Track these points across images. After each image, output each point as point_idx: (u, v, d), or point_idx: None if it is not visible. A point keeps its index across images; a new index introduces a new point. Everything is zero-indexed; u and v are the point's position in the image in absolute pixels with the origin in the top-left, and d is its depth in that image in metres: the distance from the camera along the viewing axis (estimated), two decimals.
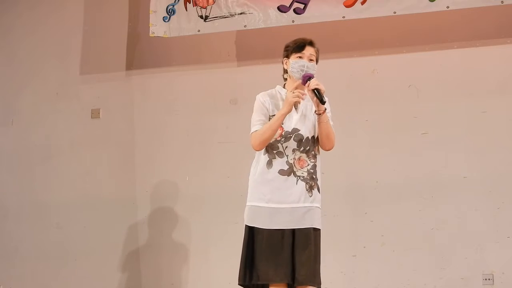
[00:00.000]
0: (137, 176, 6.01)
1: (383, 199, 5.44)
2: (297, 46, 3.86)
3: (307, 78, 3.75)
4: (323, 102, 3.71)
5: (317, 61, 3.90)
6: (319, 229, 3.84)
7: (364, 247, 5.45)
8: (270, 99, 3.88)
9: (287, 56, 3.89)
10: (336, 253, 5.39)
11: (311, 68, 3.81)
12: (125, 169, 6.04)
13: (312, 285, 3.75)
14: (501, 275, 5.21)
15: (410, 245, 5.37)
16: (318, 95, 3.70)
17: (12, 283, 6.19)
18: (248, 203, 3.92)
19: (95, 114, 6.17)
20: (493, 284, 5.22)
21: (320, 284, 3.82)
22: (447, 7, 5.09)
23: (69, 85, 6.24)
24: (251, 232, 3.85)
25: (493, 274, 5.23)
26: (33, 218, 6.19)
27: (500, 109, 5.32)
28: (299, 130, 3.81)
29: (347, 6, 5.26)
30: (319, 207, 3.85)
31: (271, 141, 3.80)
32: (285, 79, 3.93)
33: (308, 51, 3.86)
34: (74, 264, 6.05)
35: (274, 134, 3.78)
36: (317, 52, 3.91)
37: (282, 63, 3.93)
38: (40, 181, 6.20)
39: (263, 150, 3.84)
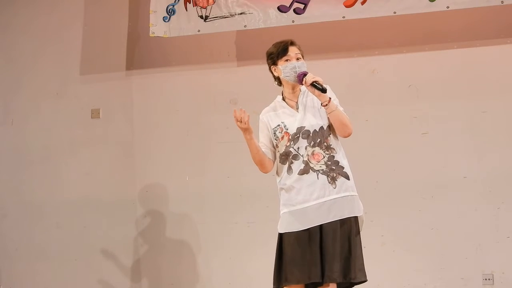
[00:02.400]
0: (137, 176, 6.01)
1: (383, 199, 5.44)
2: (282, 50, 3.85)
3: (302, 76, 3.77)
4: (324, 91, 3.71)
5: (302, 57, 3.89)
6: (353, 218, 3.77)
7: (364, 247, 5.42)
8: (272, 112, 3.91)
9: (274, 63, 3.88)
10: None
11: (302, 66, 3.82)
12: (125, 169, 6.04)
13: (345, 280, 3.72)
14: (501, 275, 5.22)
15: (410, 245, 5.37)
16: (317, 86, 3.72)
17: (12, 283, 6.20)
18: (280, 213, 3.88)
19: (95, 114, 6.16)
20: (493, 284, 5.22)
21: (358, 278, 3.76)
22: (447, 7, 5.09)
23: (69, 85, 6.24)
24: (281, 239, 3.81)
25: (493, 274, 5.23)
26: (33, 218, 6.19)
27: (500, 109, 5.32)
28: (305, 127, 3.81)
29: (347, 6, 5.26)
30: (349, 195, 3.78)
31: (283, 150, 3.82)
32: (280, 85, 3.94)
33: (293, 51, 3.85)
34: (74, 264, 6.05)
35: (259, 157, 3.83)
36: (300, 49, 3.90)
37: (271, 71, 3.93)
38: (40, 181, 6.20)
39: (278, 161, 3.86)
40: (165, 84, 6.03)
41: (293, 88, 3.89)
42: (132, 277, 5.95)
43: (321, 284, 3.73)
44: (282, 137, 3.83)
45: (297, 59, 3.84)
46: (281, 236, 3.82)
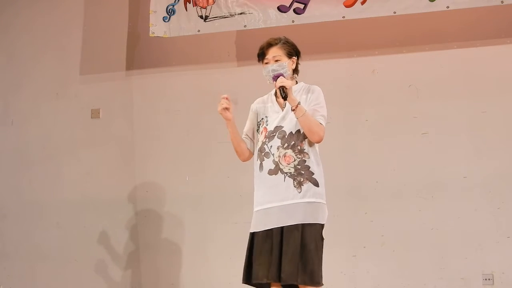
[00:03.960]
0: (137, 176, 6.01)
1: (383, 199, 5.44)
2: (260, 54, 3.94)
3: (276, 78, 3.82)
4: (284, 98, 3.75)
5: (290, 54, 3.91)
6: (314, 224, 3.77)
7: (364, 247, 5.45)
8: (261, 104, 3.99)
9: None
10: (336, 253, 5.38)
11: (278, 68, 3.86)
12: (124, 169, 6.05)
13: (312, 283, 3.71)
14: (501, 275, 5.21)
15: (410, 245, 5.37)
16: (281, 92, 3.76)
17: (12, 283, 6.20)
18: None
19: (95, 114, 6.17)
20: (493, 284, 5.22)
21: (317, 283, 3.75)
22: (447, 7, 5.10)
23: (69, 85, 6.25)
24: (251, 237, 3.89)
25: (493, 274, 5.23)
26: (33, 218, 6.19)
27: (500, 109, 5.32)
28: (283, 127, 3.85)
29: (347, 6, 5.26)
30: (313, 202, 3.78)
31: (259, 146, 3.88)
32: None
33: (270, 54, 3.90)
34: (74, 264, 6.05)
35: (236, 142, 3.95)
36: (283, 47, 3.92)
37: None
38: (40, 181, 6.20)
39: (255, 156, 3.92)
40: (165, 84, 6.03)
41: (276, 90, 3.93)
42: (132, 277, 5.95)
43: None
44: (262, 132, 3.91)
45: (276, 61, 3.89)
46: (252, 234, 3.88)
